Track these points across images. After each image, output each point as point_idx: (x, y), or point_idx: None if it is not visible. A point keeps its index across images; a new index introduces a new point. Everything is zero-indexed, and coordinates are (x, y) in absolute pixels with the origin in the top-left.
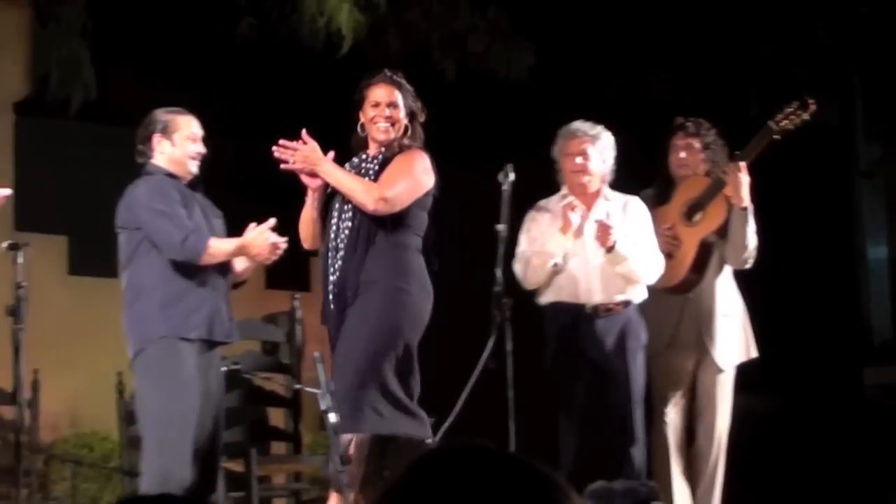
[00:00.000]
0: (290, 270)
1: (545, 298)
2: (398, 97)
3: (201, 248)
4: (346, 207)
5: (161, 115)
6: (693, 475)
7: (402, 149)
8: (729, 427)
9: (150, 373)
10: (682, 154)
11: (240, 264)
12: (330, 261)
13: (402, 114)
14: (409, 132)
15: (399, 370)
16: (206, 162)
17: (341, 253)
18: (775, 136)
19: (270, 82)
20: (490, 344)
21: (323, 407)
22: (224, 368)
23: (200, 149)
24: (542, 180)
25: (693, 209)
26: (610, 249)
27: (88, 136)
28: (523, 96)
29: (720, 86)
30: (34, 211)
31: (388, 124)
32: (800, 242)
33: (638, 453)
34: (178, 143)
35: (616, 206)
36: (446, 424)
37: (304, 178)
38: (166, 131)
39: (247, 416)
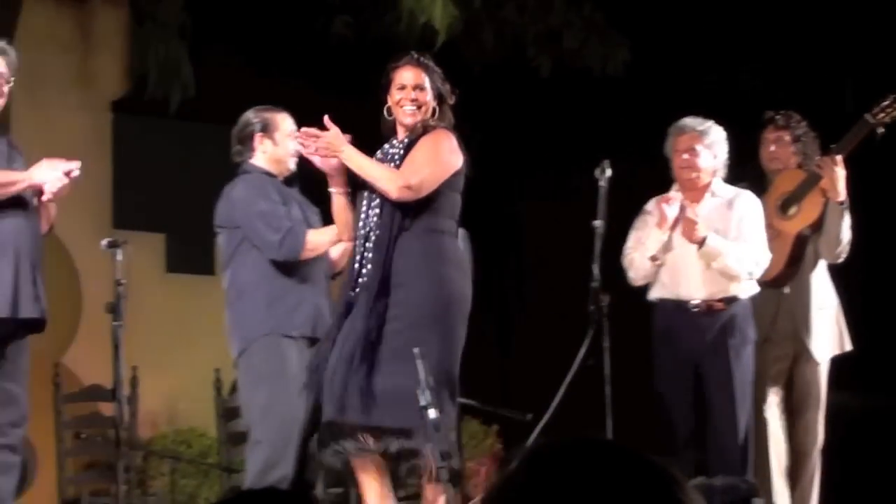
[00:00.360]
0: None
1: (652, 295)
2: (425, 79)
3: (299, 246)
4: (374, 195)
5: (259, 114)
6: (791, 472)
7: (426, 130)
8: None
9: (255, 371)
10: (772, 147)
11: (334, 252)
12: (358, 248)
13: (428, 96)
14: (437, 115)
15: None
16: (299, 158)
17: (371, 242)
18: (872, 130)
19: (365, 80)
20: (587, 340)
21: (422, 403)
22: None
23: (298, 146)
24: (638, 176)
25: (788, 203)
26: (700, 245)
27: (186, 134)
28: (619, 92)
29: (815, 79)
30: (132, 209)
31: (415, 107)
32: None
33: (739, 450)
34: (280, 142)
35: (723, 201)
36: (543, 421)
37: (318, 163)
38: (267, 130)
39: None
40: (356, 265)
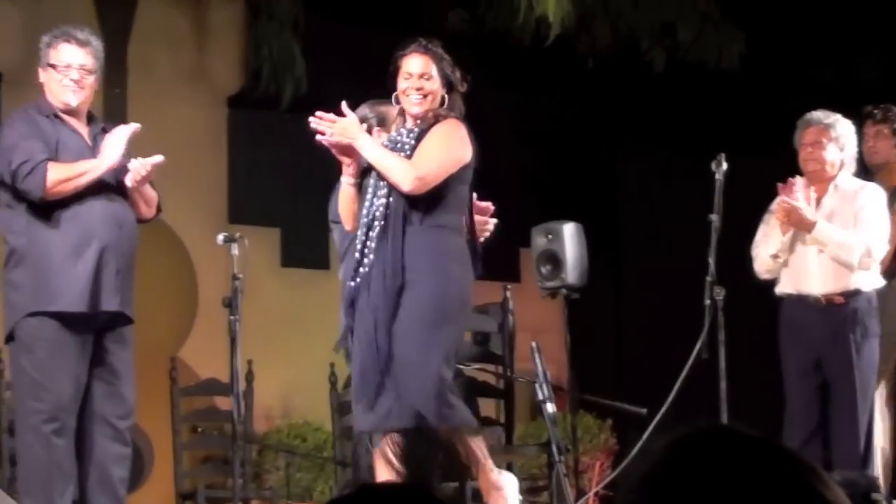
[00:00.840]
0: (500, 262)
1: (777, 290)
2: (432, 68)
3: None
4: (381, 184)
5: (374, 108)
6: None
7: (437, 119)
8: None
9: None
10: (872, 142)
11: None
12: (361, 238)
13: (435, 85)
14: (447, 103)
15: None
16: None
17: (375, 232)
18: None
19: (479, 74)
20: (703, 334)
21: (540, 397)
22: None
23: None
24: (754, 169)
25: (891, 199)
26: (810, 230)
27: (300, 128)
28: (734, 85)
29: None
30: (247, 204)
31: (421, 97)
32: None
33: (860, 444)
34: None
35: (848, 193)
36: (659, 415)
37: (338, 155)
38: (384, 124)
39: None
40: (357, 254)
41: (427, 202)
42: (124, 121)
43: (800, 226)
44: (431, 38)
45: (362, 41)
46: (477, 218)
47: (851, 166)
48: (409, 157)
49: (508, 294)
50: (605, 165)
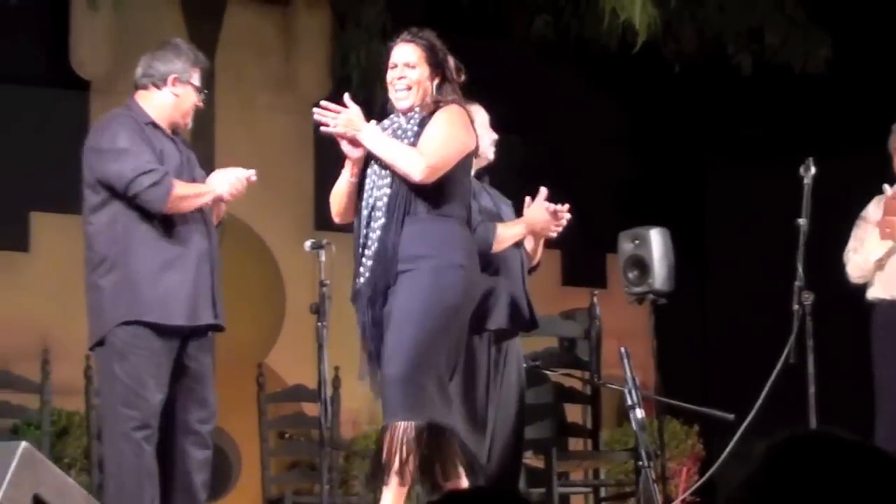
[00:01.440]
0: (586, 267)
1: (870, 294)
2: (417, 57)
3: (490, 239)
4: (383, 173)
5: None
6: None
7: (437, 105)
8: None
9: None
10: None
11: (528, 244)
12: (363, 231)
13: (421, 75)
14: (437, 94)
15: (449, 352)
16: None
17: (379, 223)
18: None
19: (564, 80)
20: (791, 339)
21: (629, 402)
22: (524, 365)
23: (493, 135)
24: (842, 173)
25: None
26: None
27: None
28: (821, 88)
29: None
30: None
31: (405, 88)
32: None
33: None
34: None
35: None
36: (747, 420)
37: (345, 147)
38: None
39: (546, 412)
40: (359, 248)
41: (432, 192)
42: (212, 129)
43: (882, 235)
44: (421, 28)
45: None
46: (548, 216)
47: None
48: (413, 144)
49: (595, 300)
50: (692, 170)
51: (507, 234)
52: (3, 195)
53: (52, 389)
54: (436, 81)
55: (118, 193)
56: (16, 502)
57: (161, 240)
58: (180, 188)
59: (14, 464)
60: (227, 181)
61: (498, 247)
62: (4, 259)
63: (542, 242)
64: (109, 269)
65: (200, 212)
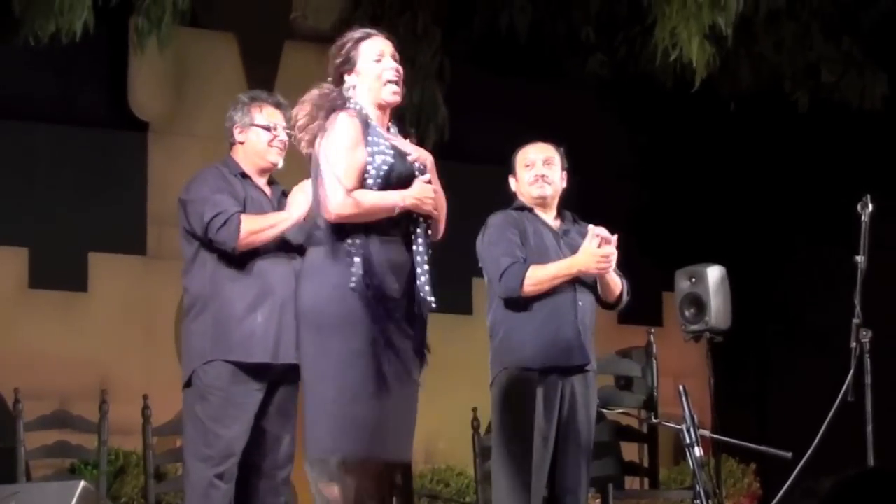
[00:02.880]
0: (643, 305)
1: None
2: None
3: (520, 280)
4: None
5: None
6: None
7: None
8: None
9: (496, 403)
10: None
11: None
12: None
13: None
14: None
15: None
16: None
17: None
18: None
19: (621, 118)
20: (849, 376)
21: (687, 441)
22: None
23: (539, 171)
24: None
25: None
26: None
27: (441, 175)
28: (878, 126)
29: None
30: None
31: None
32: None
33: None
34: (519, 175)
35: None
36: (805, 458)
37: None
38: (512, 167)
39: (603, 450)
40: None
41: None
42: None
43: None
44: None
45: (504, 88)
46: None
47: None
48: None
49: (652, 338)
50: (752, 205)
51: (546, 274)
52: (63, 236)
53: (109, 429)
54: None
55: (201, 240)
56: None
57: (246, 282)
58: (249, 223)
59: (73, 503)
60: (302, 201)
61: (536, 290)
62: (63, 299)
63: (604, 279)
64: (199, 312)
65: (290, 258)
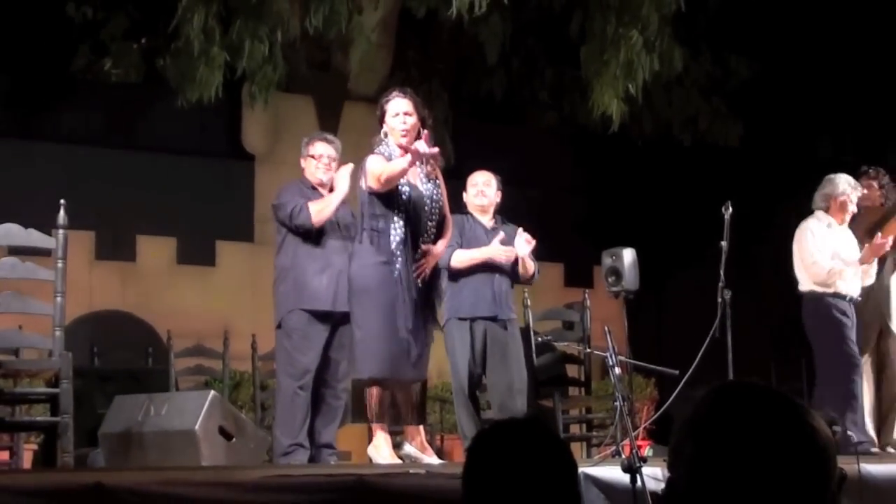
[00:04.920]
0: (581, 274)
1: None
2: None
3: (448, 258)
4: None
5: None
6: (884, 409)
7: None
8: None
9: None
10: (866, 192)
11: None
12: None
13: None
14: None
15: None
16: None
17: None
18: None
19: (569, 153)
20: (717, 321)
21: (610, 363)
22: (539, 340)
23: (480, 188)
24: (752, 212)
25: (873, 229)
26: None
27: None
28: (736, 157)
29: None
30: None
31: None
32: None
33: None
34: (468, 191)
35: None
36: (687, 375)
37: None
38: (465, 187)
39: (553, 370)
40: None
41: None
42: None
43: None
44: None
45: (491, 131)
46: (502, 252)
47: None
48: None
49: (586, 296)
50: (651, 210)
51: (465, 255)
52: (200, 228)
53: (230, 357)
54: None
55: (287, 227)
56: (208, 431)
57: (314, 256)
58: (314, 205)
59: (206, 405)
60: (343, 181)
61: (457, 266)
62: (199, 272)
63: (522, 261)
64: (284, 278)
65: (341, 234)
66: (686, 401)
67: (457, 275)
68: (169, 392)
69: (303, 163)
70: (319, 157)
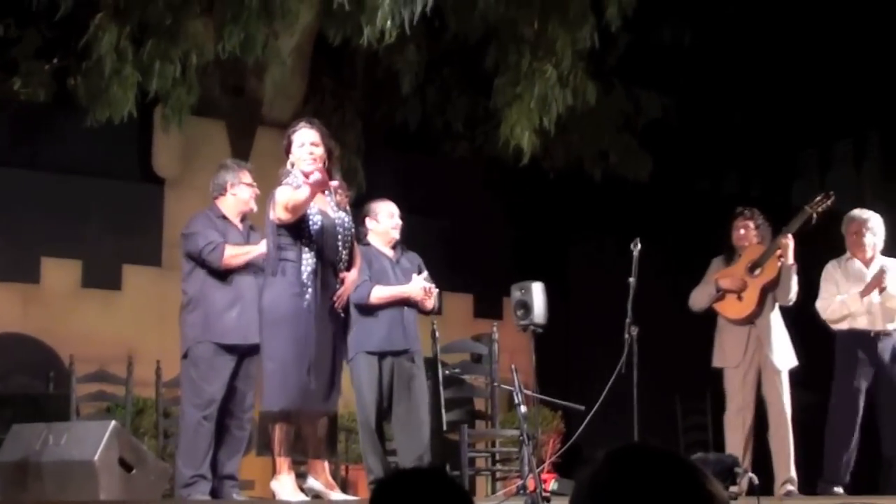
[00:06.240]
0: (490, 306)
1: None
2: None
3: (367, 294)
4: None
5: (369, 204)
6: (772, 447)
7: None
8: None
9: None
10: (742, 231)
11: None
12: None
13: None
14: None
15: None
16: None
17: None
18: (809, 217)
19: (480, 183)
20: (623, 357)
21: (516, 401)
22: (447, 372)
23: (398, 221)
24: (660, 249)
25: (754, 266)
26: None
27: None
28: (645, 191)
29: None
30: None
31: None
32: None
33: None
34: (382, 220)
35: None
36: (593, 410)
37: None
38: (373, 213)
39: (461, 403)
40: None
41: None
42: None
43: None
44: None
45: (403, 160)
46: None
47: (880, 247)
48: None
49: (495, 328)
50: (561, 243)
51: (383, 294)
52: (105, 252)
53: (134, 382)
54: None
55: (196, 260)
56: (107, 462)
57: (225, 289)
58: (230, 251)
59: (107, 435)
60: (262, 243)
61: (376, 301)
62: (105, 295)
63: (421, 302)
64: (193, 308)
65: (255, 273)
66: (586, 463)
67: (367, 308)
68: (69, 419)
69: (229, 189)
70: (251, 187)
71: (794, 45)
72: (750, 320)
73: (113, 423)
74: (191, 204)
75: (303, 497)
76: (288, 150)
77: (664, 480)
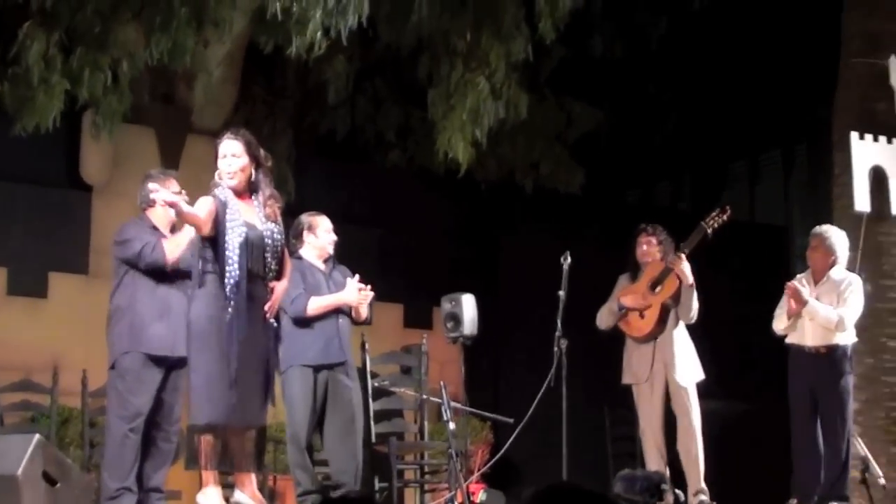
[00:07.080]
0: (420, 316)
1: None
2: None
3: (304, 306)
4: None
5: (305, 218)
6: (682, 461)
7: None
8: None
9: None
10: (645, 247)
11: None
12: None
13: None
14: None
15: None
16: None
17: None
18: (705, 233)
19: (412, 194)
20: (552, 369)
21: (445, 418)
22: (377, 384)
23: (333, 236)
24: (594, 261)
25: (655, 283)
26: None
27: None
28: (577, 203)
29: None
30: None
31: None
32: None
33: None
34: (320, 235)
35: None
36: (522, 423)
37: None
38: (311, 228)
39: (390, 415)
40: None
41: None
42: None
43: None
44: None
45: (334, 169)
46: (356, 294)
47: (838, 262)
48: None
49: (425, 339)
50: (492, 254)
51: (319, 304)
52: (30, 259)
53: (59, 392)
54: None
55: (133, 265)
56: (31, 476)
57: (153, 300)
58: (168, 244)
59: (30, 449)
60: (185, 239)
61: (313, 312)
62: (30, 303)
63: (355, 309)
64: (120, 318)
65: (182, 283)
66: (517, 499)
67: (303, 321)
68: None
69: (157, 206)
70: (179, 194)
71: (724, 58)
72: (653, 337)
73: (37, 436)
74: (119, 211)
75: None
76: (216, 161)
77: None
